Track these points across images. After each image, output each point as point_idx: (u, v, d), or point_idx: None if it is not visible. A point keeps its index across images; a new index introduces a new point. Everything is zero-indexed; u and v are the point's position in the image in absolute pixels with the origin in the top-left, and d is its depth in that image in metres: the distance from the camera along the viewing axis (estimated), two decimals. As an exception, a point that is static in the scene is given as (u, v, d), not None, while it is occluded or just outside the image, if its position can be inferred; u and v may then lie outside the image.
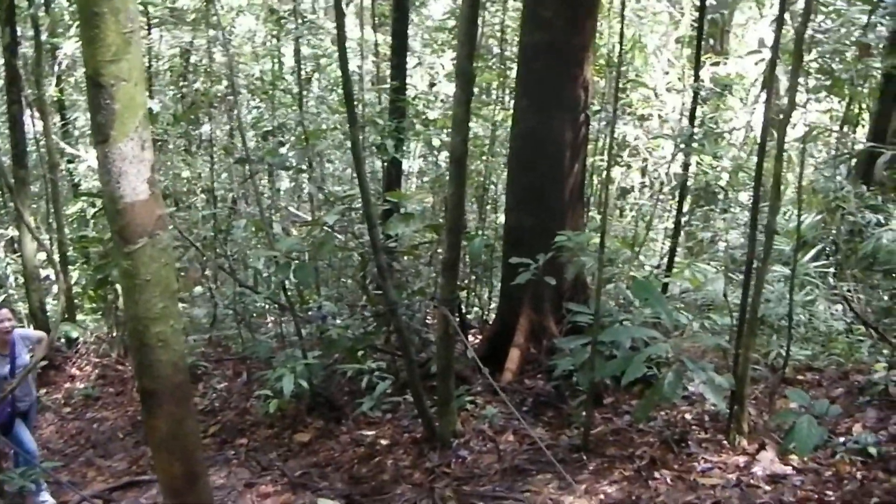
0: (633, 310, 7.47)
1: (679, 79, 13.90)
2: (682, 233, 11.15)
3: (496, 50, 13.73)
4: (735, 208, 11.92)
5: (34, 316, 13.03)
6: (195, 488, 3.21)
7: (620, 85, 11.73)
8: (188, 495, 3.19)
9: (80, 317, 14.33)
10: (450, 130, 11.29)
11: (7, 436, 7.93)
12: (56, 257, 12.62)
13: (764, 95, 10.67)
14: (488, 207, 13.10)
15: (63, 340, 13.42)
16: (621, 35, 8.16)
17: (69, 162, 16.76)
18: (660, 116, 13.18)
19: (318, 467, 8.11)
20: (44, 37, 13.80)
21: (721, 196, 12.45)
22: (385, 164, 11.12)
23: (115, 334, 13.21)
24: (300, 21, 13.20)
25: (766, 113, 6.52)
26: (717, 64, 13.29)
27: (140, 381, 2.97)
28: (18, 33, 12.87)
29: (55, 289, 15.13)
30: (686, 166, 10.20)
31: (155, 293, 2.82)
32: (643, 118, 13.36)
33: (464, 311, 10.65)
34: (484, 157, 12.52)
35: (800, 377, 7.84)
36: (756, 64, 11.82)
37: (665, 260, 10.60)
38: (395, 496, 6.84)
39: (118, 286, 12.53)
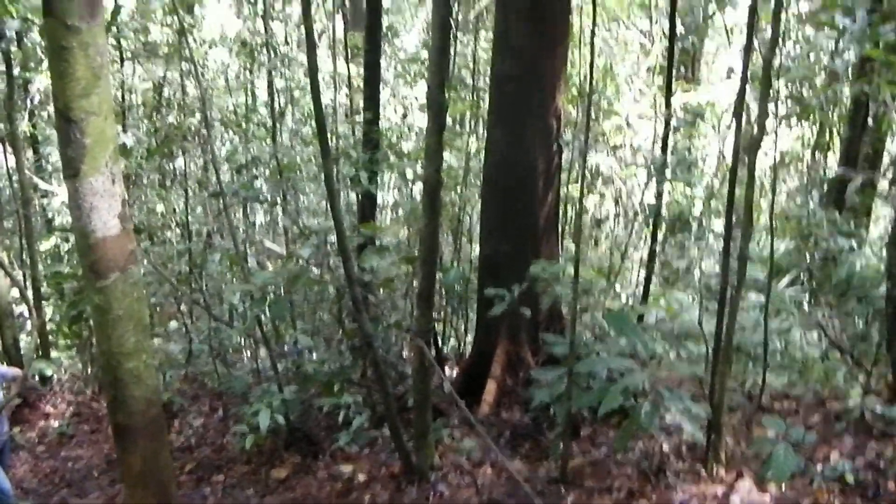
0: (609, 340, 7.47)
1: (651, 107, 13.98)
2: (657, 261, 11.16)
3: (468, 80, 13.79)
4: (709, 236, 11.96)
5: (7, 353, 12.91)
6: (170, 526, 3.17)
7: (592, 114, 11.78)
8: (163, 533, 3.15)
9: (54, 353, 14.21)
10: (423, 162, 11.35)
11: None
12: (29, 293, 12.53)
13: (735, 123, 10.76)
14: (463, 238, 13.10)
15: (37, 378, 13.30)
16: (591, 64, 8.19)
17: (42, 197, 16.68)
18: (632, 145, 13.25)
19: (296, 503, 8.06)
20: (16, 71, 13.73)
21: (695, 224, 12.51)
22: (359, 196, 11.10)
23: (89, 371, 13.13)
24: (273, 54, 13.23)
25: (736, 140, 6.55)
26: (688, 92, 13.39)
27: (114, 416, 2.93)
28: (-10, 69, 12.83)
29: (29, 325, 15.02)
30: (659, 195, 10.23)
31: (128, 328, 2.80)
32: (616, 147, 13.43)
33: (440, 343, 10.63)
34: (458, 188, 12.53)
35: (776, 405, 7.85)
36: (727, 92, 11.93)
37: (640, 289, 10.61)
38: (374, 531, 6.80)
39: (92, 322, 12.47)
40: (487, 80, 11.31)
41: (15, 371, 8.87)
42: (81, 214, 2.67)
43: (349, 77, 14.49)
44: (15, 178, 14.28)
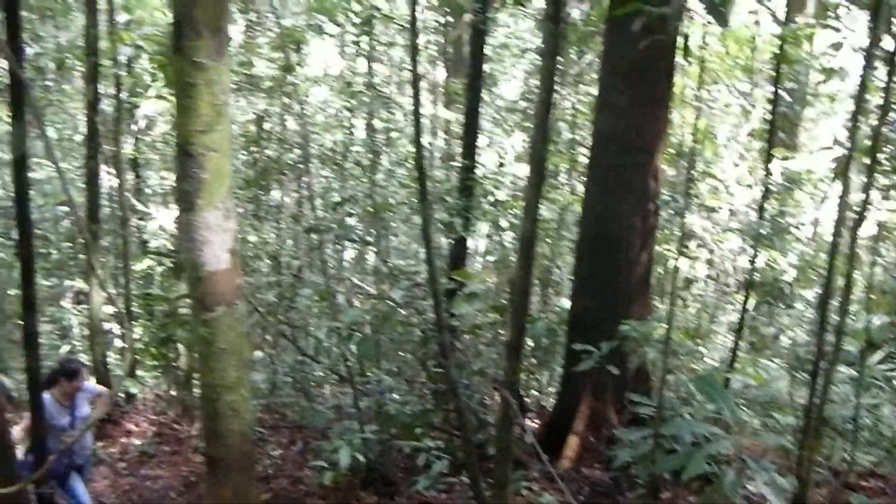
0: (695, 404, 7.37)
1: (749, 172, 13.84)
2: (746, 327, 10.99)
3: (566, 134, 13.79)
4: (800, 305, 11.76)
5: (96, 369, 13.15)
6: (254, 559, 3.19)
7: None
8: (247, 565, 3.18)
9: (139, 373, 14.47)
10: (516, 211, 11.36)
11: (63, 488, 7.99)
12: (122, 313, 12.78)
13: (834, 192, 10.58)
14: (551, 291, 13.07)
15: (122, 395, 13.52)
16: (695, 125, 8.16)
17: (140, 219, 17.03)
18: (730, 209, 13.10)
19: (371, 543, 8.07)
20: (124, 96, 14.10)
21: (787, 292, 12.30)
22: (452, 241, 11.14)
23: (173, 393, 13.30)
24: (373, 94, 13.38)
25: (839, 210, 6.45)
26: (787, 158, 13.23)
27: (208, 447, 2.97)
28: (101, 91, 13.15)
29: (117, 343, 15.31)
30: (753, 260, 10.10)
31: (231, 362, 2.84)
32: (711, 210, 13.30)
33: (522, 394, 10.57)
34: (549, 241, 12.51)
35: (863, 483, 7.67)
36: (826, 160, 11.78)
37: (727, 354, 10.46)
38: (446, 581, 6.76)
39: (180, 346, 12.66)
40: (585, 134, 11.33)
41: (102, 388, 9.04)
42: (194, 247, 2.72)
43: (447, 122, 14.61)
44: (115, 198, 14.62)
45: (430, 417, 9.51)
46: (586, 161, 10.04)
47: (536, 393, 11.93)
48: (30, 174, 5.99)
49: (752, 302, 11.03)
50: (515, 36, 16.07)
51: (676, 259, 7.34)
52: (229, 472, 2.98)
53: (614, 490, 7.79)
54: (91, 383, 8.90)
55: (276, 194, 15.90)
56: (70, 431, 7.82)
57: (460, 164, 11.21)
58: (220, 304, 2.76)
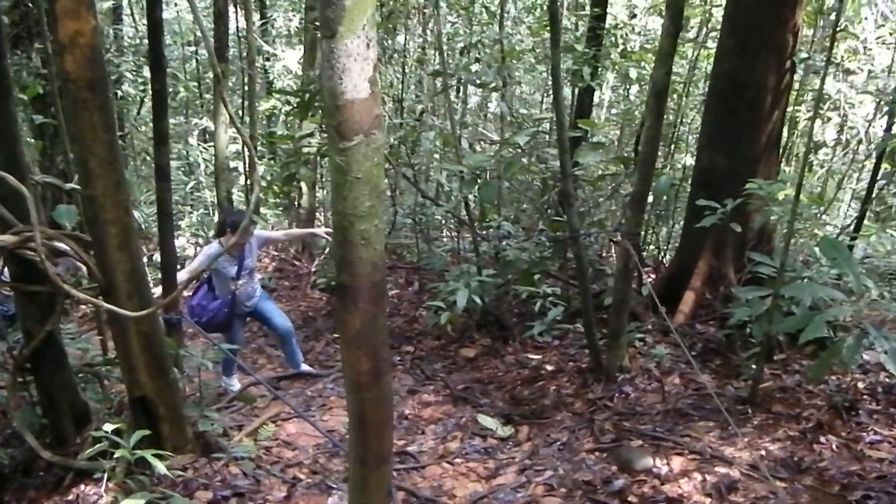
0: (816, 268, 7.24)
1: (892, 34, 13.23)
2: (873, 197, 10.68)
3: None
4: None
5: (220, 205, 13.48)
6: (379, 384, 3.28)
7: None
8: (371, 391, 3.27)
9: (262, 210, 14.79)
10: (644, 64, 11.11)
11: (231, 331, 8.26)
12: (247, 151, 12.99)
13: None
14: (673, 147, 12.86)
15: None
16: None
17: (266, 60, 17.15)
18: (870, 72, 12.60)
19: (481, 384, 8.22)
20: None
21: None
22: (578, 91, 10.99)
23: (296, 231, 13.58)
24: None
25: None
26: (934, 19, 12.60)
27: (339, 276, 3.02)
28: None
29: (241, 180, 15.63)
30: (890, 127, 9.74)
31: (364, 191, 2.86)
32: (848, 72, 12.80)
33: (640, 248, 10.54)
34: (678, 96, 12.24)
35: None
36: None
37: (848, 222, 10.21)
38: (555, 422, 6.87)
39: (303, 185, 12.87)
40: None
41: (272, 233, 9.32)
42: (333, 75, 2.71)
43: (580, -30, 14.25)
44: (243, 39, 14.72)
45: (548, 265, 9.57)
46: (721, 14, 9.70)
47: (654, 249, 11.86)
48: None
49: (882, 170, 10.70)
50: None
51: (811, 121, 7.11)
52: (357, 301, 3.03)
53: (727, 348, 7.76)
54: (262, 231, 9.06)
55: (400, 39, 15.80)
56: (237, 281, 8.06)
57: (590, 13, 10.96)
58: (357, 133, 2.76)
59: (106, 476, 4.62)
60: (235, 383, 8.47)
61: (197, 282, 8.23)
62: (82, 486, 4.87)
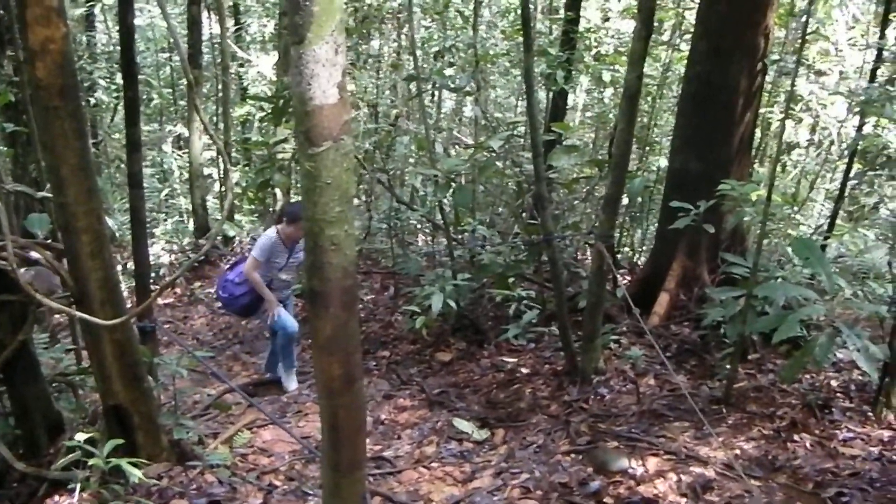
0: (789, 267, 7.28)
1: (863, 35, 13.31)
2: (846, 196, 10.73)
3: (674, -10, 13.41)
4: (903, 176, 11.42)
5: (195, 212, 13.46)
6: (351, 390, 3.28)
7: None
8: (344, 396, 3.27)
9: (237, 217, 14.75)
10: (617, 67, 11.15)
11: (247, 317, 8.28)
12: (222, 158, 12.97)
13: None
14: (647, 149, 12.90)
15: (220, 238, 13.81)
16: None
17: (240, 66, 17.12)
18: (840, 73, 12.67)
19: (457, 388, 8.22)
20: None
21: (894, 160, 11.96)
22: (552, 94, 11.01)
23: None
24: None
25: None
26: (904, 21, 12.68)
27: (309, 282, 3.03)
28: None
29: (216, 187, 15.59)
30: (860, 127, 9.79)
31: (334, 196, 2.86)
32: (820, 73, 12.88)
33: (615, 250, 10.57)
34: (651, 98, 12.29)
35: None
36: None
37: (821, 222, 10.26)
38: (531, 425, 6.88)
39: (278, 191, 12.84)
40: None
41: None
42: (302, 81, 2.72)
43: (553, -27, 14.29)
44: (216, 44, 14.70)
45: (523, 268, 9.58)
46: (693, 17, 9.74)
47: (628, 250, 11.90)
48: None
49: (854, 170, 10.78)
50: None
51: (781, 122, 7.14)
52: (328, 306, 3.04)
53: (701, 349, 7.79)
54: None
55: (375, 44, 15.81)
56: (282, 269, 8.16)
57: (564, 17, 10.99)
58: (327, 138, 2.77)
59: (80, 486, 4.60)
60: (294, 382, 8.60)
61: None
62: (56, 497, 4.86)
